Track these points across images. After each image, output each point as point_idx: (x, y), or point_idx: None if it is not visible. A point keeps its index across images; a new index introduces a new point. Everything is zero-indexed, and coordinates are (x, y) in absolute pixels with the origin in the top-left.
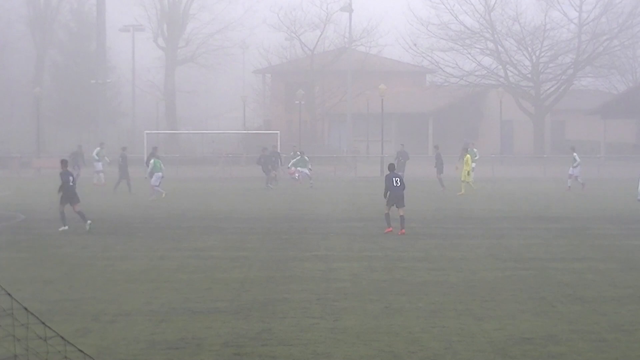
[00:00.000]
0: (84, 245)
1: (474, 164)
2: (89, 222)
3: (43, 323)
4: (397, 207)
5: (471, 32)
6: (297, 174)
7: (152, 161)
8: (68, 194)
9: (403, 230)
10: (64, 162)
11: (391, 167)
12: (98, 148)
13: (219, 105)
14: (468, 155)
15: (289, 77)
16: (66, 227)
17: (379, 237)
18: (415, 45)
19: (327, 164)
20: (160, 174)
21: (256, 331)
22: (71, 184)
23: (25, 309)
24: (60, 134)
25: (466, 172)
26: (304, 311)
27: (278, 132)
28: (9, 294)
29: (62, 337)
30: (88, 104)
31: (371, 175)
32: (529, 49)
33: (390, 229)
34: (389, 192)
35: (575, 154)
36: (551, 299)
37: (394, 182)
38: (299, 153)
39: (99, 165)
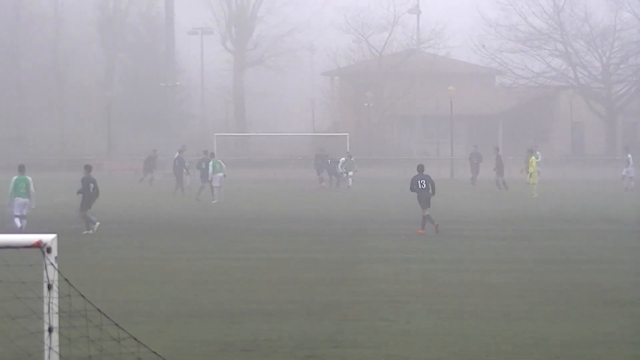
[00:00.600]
0: (156, 248)
1: (538, 167)
2: (97, 224)
3: (117, 324)
4: (422, 207)
5: (540, 34)
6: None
7: (210, 163)
8: (87, 199)
9: (422, 231)
10: (87, 167)
11: (420, 168)
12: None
13: (288, 107)
14: (533, 158)
15: (357, 79)
16: (98, 223)
17: (449, 238)
18: (483, 46)
19: (396, 166)
20: (221, 174)
21: (328, 333)
22: (91, 190)
23: (99, 310)
24: (130, 136)
25: (530, 174)
26: (376, 313)
27: (347, 134)
28: (83, 295)
29: (136, 339)
30: (157, 107)
31: (441, 178)
32: (599, 50)
33: (423, 231)
34: (416, 194)
35: (629, 155)
36: (625, 301)
37: (420, 184)
38: (352, 158)
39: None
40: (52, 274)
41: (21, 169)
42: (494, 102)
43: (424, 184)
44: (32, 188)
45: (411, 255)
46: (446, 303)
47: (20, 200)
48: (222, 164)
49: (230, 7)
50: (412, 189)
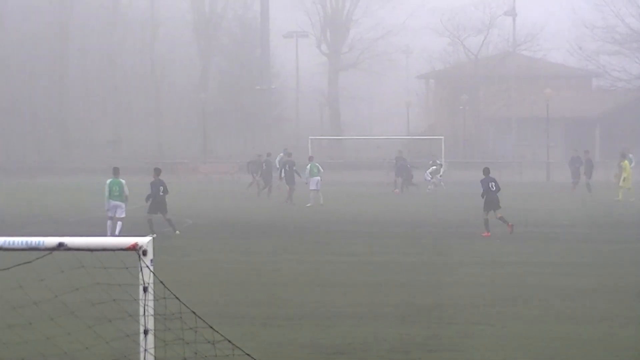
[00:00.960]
0: (250, 250)
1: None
2: (177, 232)
3: (211, 327)
4: (493, 210)
5: (638, 35)
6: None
7: (308, 166)
8: (156, 203)
9: (510, 225)
10: (157, 171)
11: (486, 171)
12: (281, 154)
13: (382, 110)
14: (626, 162)
15: (453, 82)
16: (154, 235)
17: (544, 242)
18: (580, 48)
19: (492, 169)
20: (318, 178)
21: (423, 337)
22: (161, 193)
23: (194, 312)
24: (226, 139)
25: (623, 178)
26: (471, 317)
27: (442, 137)
28: (177, 298)
29: (230, 341)
30: (252, 110)
31: (536, 181)
32: None
33: (489, 233)
34: (485, 196)
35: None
36: None
37: (490, 186)
38: (438, 162)
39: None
40: (147, 277)
41: (115, 172)
42: (591, 105)
43: (493, 186)
44: (126, 191)
45: (505, 258)
46: (542, 307)
47: (113, 203)
48: (320, 167)
49: (326, 10)
50: (484, 194)
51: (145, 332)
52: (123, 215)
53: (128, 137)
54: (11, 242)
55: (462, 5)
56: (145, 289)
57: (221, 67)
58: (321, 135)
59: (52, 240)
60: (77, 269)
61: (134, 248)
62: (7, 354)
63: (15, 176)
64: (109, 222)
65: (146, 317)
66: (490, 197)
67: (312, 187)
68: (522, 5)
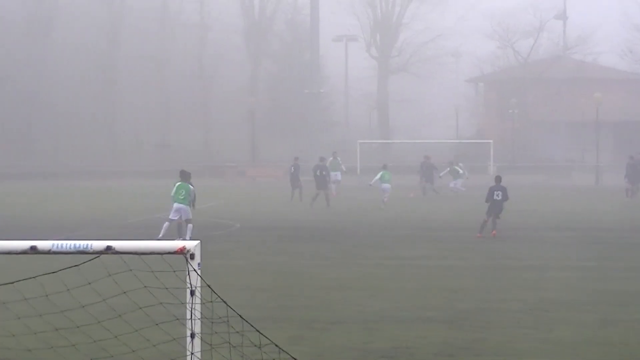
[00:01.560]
0: (296, 254)
1: None
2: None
3: (257, 330)
4: (489, 215)
5: None
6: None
7: (380, 173)
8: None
9: (494, 232)
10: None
11: (497, 179)
12: (331, 158)
13: (431, 114)
14: None
15: (502, 86)
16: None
17: (592, 245)
18: (630, 52)
19: (540, 172)
20: (388, 185)
21: (469, 341)
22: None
23: (240, 316)
24: (274, 143)
25: None
26: (517, 321)
27: (491, 141)
28: (224, 302)
29: (276, 345)
30: (301, 113)
31: (585, 185)
32: None
33: (480, 235)
34: (489, 203)
35: None
36: None
37: (495, 194)
38: (455, 167)
39: (337, 175)
40: (194, 280)
41: (183, 176)
42: None
43: (499, 195)
44: (192, 196)
45: (552, 262)
46: (590, 312)
47: (176, 205)
48: (390, 174)
49: (376, 13)
50: (487, 200)
51: (192, 335)
52: (190, 217)
53: (176, 140)
54: (59, 246)
55: (512, 8)
56: (192, 293)
57: (270, 70)
58: (370, 139)
59: (100, 244)
60: (124, 272)
61: (181, 252)
62: (54, 357)
63: (63, 180)
64: (166, 224)
65: (193, 321)
66: (494, 205)
67: (386, 193)
68: (573, 9)
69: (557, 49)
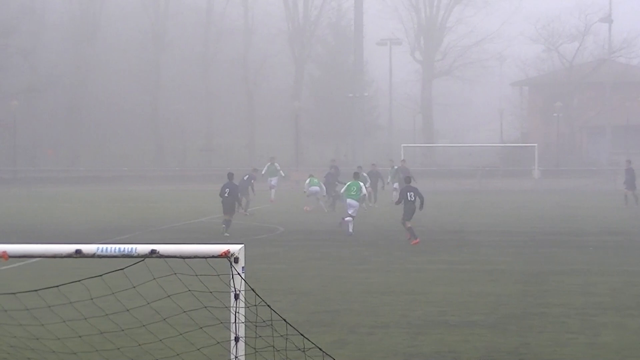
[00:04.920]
0: (339, 258)
1: None
2: (226, 234)
3: (301, 334)
4: (405, 219)
5: None
6: None
7: (347, 184)
8: (224, 204)
9: (416, 240)
10: (229, 175)
11: (407, 180)
12: (268, 164)
13: (475, 117)
14: None
15: (547, 89)
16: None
17: (636, 250)
18: None
19: (585, 177)
20: (353, 201)
21: (513, 345)
22: (226, 195)
23: (284, 320)
24: (318, 146)
25: None
26: (562, 326)
27: (535, 144)
28: (269, 305)
29: (320, 349)
30: (345, 117)
31: None
32: None
33: (418, 240)
34: (404, 206)
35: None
36: None
37: (409, 196)
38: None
39: (273, 181)
40: (238, 284)
41: (356, 176)
42: None
43: (412, 196)
44: (364, 191)
45: (596, 267)
46: (635, 316)
47: (349, 201)
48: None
49: (420, 17)
50: (398, 202)
51: (236, 339)
52: (355, 215)
53: (221, 144)
54: (105, 250)
55: (557, 12)
56: (236, 297)
57: (314, 74)
58: (414, 143)
59: (144, 248)
60: (169, 276)
61: (225, 255)
62: None
63: (109, 184)
64: (347, 219)
65: (237, 324)
66: (407, 207)
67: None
68: (618, 12)
69: (602, 52)
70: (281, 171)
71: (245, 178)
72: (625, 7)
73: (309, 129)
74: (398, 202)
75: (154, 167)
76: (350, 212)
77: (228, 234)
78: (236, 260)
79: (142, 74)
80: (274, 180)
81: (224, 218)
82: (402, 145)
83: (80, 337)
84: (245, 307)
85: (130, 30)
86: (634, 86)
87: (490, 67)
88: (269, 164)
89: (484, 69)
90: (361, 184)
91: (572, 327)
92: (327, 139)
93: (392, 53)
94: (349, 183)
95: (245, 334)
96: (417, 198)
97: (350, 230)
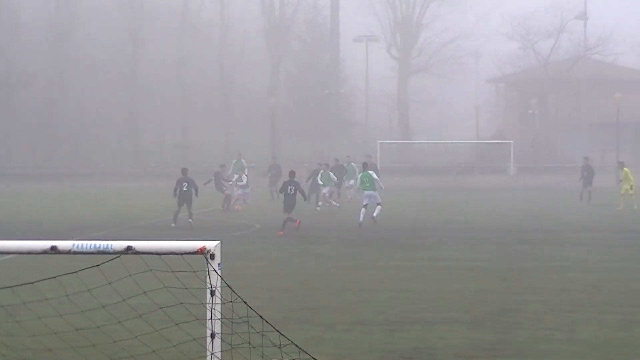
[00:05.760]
0: (317, 255)
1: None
2: (190, 220)
3: (278, 331)
4: (285, 211)
5: None
6: None
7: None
8: (180, 197)
9: (281, 232)
10: (183, 170)
11: (291, 174)
12: (234, 160)
13: (451, 114)
14: (626, 170)
15: (523, 87)
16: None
17: (614, 247)
18: None
19: (561, 174)
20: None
21: (490, 342)
22: (184, 189)
23: (260, 316)
24: (294, 143)
25: (630, 186)
26: (539, 322)
27: (511, 141)
28: (244, 302)
29: (297, 345)
30: (322, 114)
31: (605, 185)
32: None
33: (281, 233)
34: (284, 198)
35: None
36: None
37: (289, 189)
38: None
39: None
40: (215, 281)
41: (365, 166)
42: None
43: (292, 190)
44: (374, 176)
45: (573, 263)
46: (611, 312)
47: (366, 192)
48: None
49: (396, 14)
50: (280, 191)
51: (212, 335)
52: (378, 201)
53: (197, 141)
54: (80, 246)
55: (533, 9)
56: (212, 293)
57: (291, 71)
58: (390, 140)
59: (120, 244)
60: (145, 272)
61: (201, 252)
62: (75, 357)
63: (85, 181)
64: (362, 210)
65: (213, 321)
66: (287, 200)
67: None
68: (594, 9)
69: (577, 49)
70: (247, 169)
71: (212, 176)
72: (600, 5)
73: (285, 126)
74: (280, 192)
75: (130, 164)
76: (364, 203)
77: (174, 225)
78: (212, 256)
79: (119, 71)
80: (242, 182)
81: (175, 210)
82: (378, 141)
83: (55, 333)
84: (221, 304)
85: (107, 28)
86: (609, 83)
87: (466, 64)
88: (234, 160)
89: (460, 66)
90: (371, 172)
91: (549, 323)
92: (304, 135)
93: (368, 50)
94: (360, 175)
95: (221, 330)
96: (297, 192)
97: (361, 219)
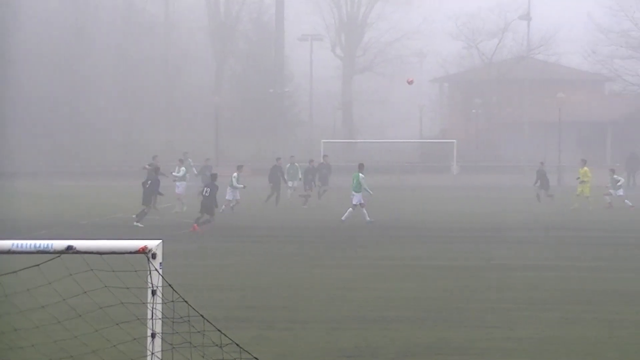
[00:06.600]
0: (260, 254)
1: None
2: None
3: (219, 330)
4: (202, 212)
5: None
6: None
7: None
8: (144, 194)
9: (195, 226)
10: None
11: (213, 177)
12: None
13: (396, 114)
14: (585, 169)
15: (466, 86)
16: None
17: (555, 245)
18: (594, 53)
19: (503, 173)
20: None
21: (431, 340)
22: (147, 186)
23: (202, 315)
24: (238, 142)
25: (587, 187)
26: (479, 320)
27: (454, 141)
28: (186, 301)
29: (238, 345)
30: (266, 113)
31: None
32: None
33: (195, 227)
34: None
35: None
36: None
37: (204, 191)
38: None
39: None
40: (156, 280)
41: (360, 168)
42: (604, 109)
43: (207, 192)
44: (363, 183)
45: (514, 262)
46: (551, 310)
47: (353, 193)
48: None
49: (341, 13)
50: (200, 194)
51: (153, 335)
52: (356, 203)
53: (141, 140)
54: (20, 245)
55: (477, 9)
56: (153, 292)
57: (235, 70)
58: (334, 139)
59: (61, 244)
60: (85, 272)
61: (143, 251)
62: (14, 357)
63: (27, 180)
64: (349, 209)
65: (154, 321)
66: (203, 202)
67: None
68: (537, 10)
69: (521, 49)
70: (194, 168)
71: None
72: (543, 5)
73: (229, 125)
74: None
75: (73, 163)
76: (353, 202)
77: (142, 225)
78: (154, 256)
79: (62, 68)
80: (181, 187)
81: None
82: (322, 140)
83: None
84: (162, 303)
85: (51, 24)
86: (551, 83)
87: (410, 63)
88: (182, 158)
89: (404, 65)
90: (360, 174)
91: (488, 321)
92: (248, 134)
93: (313, 49)
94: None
95: (162, 330)
96: (211, 194)
97: (343, 218)
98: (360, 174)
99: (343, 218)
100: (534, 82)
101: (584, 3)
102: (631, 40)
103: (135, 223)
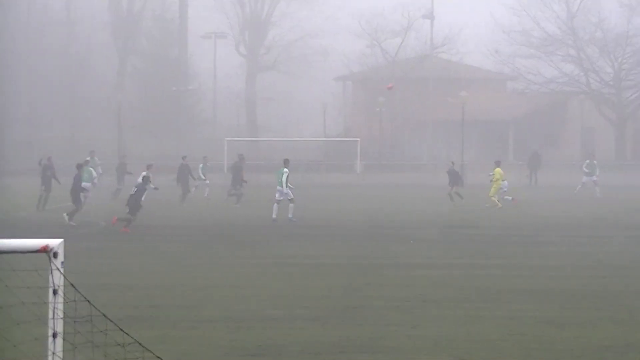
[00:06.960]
0: (164, 253)
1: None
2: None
3: (121, 330)
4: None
5: (553, 39)
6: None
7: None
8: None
9: (115, 217)
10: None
11: (145, 179)
12: (88, 158)
13: (299, 112)
14: (498, 169)
15: (370, 85)
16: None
17: (459, 243)
18: (496, 52)
19: (407, 171)
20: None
21: (334, 338)
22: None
23: (104, 315)
24: (141, 140)
25: (496, 187)
26: (382, 318)
27: (358, 139)
28: (88, 300)
29: (141, 344)
30: (169, 111)
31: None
32: (612, 55)
33: (114, 219)
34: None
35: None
36: (631, 307)
37: (132, 189)
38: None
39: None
40: (57, 279)
41: (285, 163)
42: (506, 107)
43: (134, 190)
44: (284, 179)
45: (417, 260)
46: (454, 308)
47: (278, 188)
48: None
49: (244, 11)
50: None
51: (54, 335)
52: (281, 199)
53: (42, 137)
54: None
55: (380, 8)
56: (55, 292)
57: (138, 67)
58: (238, 137)
59: None
60: None
61: (44, 250)
62: None
63: None
64: (275, 205)
65: (55, 320)
66: (128, 199)
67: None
68: (440, 9)
69: (424, 48)
70: (100, 167)
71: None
72: (446, 5)
73: (132, 122)
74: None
75: None
76: (276, 197)
77: (74, 223)
78: (55, 255)
79: None
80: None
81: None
82: (226, 139)
83: None
84: (64, 303)
85: None
86: (454, 82)
87: (314, 62)
88: (88, 158)
89: (308, 63)
90: (284, 170)
91: (392, 319)
92: (151, 132)
93: (216, 47)
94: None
95: (63, 329)
96: (138, 192)
97: (274, 216)
98: (285, 169)
99: (274, 216)
100: (438, 81)
101: (487, 3)
102: (533, 40)
103: (69, 222)
